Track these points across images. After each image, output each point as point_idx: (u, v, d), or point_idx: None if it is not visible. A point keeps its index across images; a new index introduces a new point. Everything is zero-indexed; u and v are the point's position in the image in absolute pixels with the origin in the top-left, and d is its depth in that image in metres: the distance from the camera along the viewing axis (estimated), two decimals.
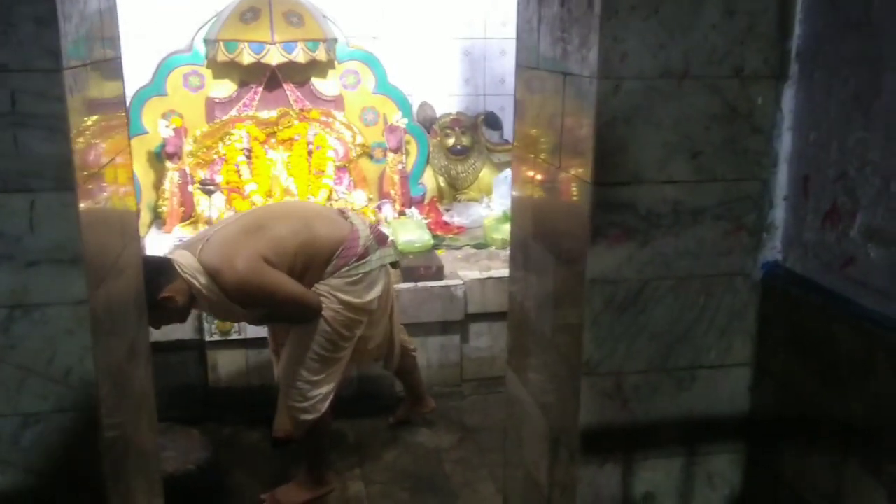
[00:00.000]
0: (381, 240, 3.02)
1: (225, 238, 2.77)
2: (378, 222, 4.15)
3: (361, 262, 2.88)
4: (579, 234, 1.65)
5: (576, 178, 1.66)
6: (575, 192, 1.68)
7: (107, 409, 1.49)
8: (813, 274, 1.55)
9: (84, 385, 1.43)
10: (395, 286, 3.42)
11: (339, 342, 2.90)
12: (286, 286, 2.74)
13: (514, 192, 2.10)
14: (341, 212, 3.08)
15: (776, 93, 1.59)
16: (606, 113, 1.55)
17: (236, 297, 2.70)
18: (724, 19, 1.53)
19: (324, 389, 2.93)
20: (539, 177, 1.89)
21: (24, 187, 1.35)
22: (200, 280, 2.68)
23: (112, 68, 1.72)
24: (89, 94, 1.50)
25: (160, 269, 2.66)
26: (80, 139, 1.42)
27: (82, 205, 1.40)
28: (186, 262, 2.70)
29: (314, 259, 2.82)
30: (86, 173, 1.44)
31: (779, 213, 1.65)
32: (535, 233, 1.94)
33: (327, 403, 2.96)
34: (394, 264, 3.13)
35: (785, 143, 1.61)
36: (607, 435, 1.72)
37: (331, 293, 2.84)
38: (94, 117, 1.54)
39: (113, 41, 1.75)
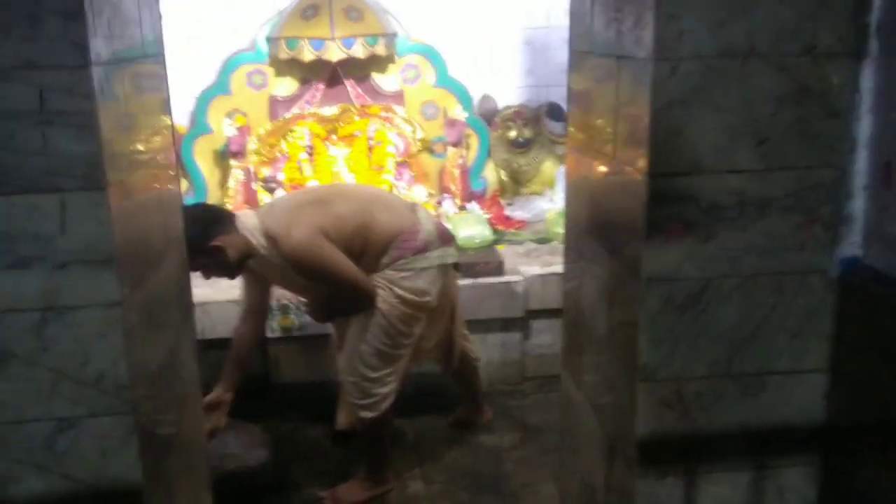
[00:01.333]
0: (445, 239, 2.94)
1: (288, 206, 2.80)
2: (438, 218, 4.08)
3: (419, 255, 2.81)
4: (634, 228, 1.54)
5: (630, 168, 1.55)
6: (630, 184, 1.56)
7: (142, 414, 1.46)
8: None
9: (117, 389, 1.40)
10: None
11: (396, 337, 2.83)
12: (341, 263, 2.70)
13: (567, 185, 2.00)
14: (412, 205, 3.02)
15: (853, 71, 1.44)
16: (662, 97, 1.43)
17: (294, 266, 2.68)
18: None
19: (384, 389, 2.88)
20: (593, 168, 1.78)
21: (54, 187, 1.32)
22: (259, 240, 2.70)
23: (152, 63, 1.69)
24: (124, 91, 1.47)
25: (216, 218, 2.73)
26: (112, 137, 1.38)
27: (114, 205, 1.36)
28: (248, 221, 2.74)
29: (370, 244, 2.77)
30: (119, 172, 1.41)
31: (858, 204, 1.50)
32: (588, 227, 1.83)
33: (387, 404, 2.91)
34: (455, 266, 3.04)
35: (864, 127, 1.46)
36: (667, 445, 1.60)
37: (387, 286, 2.79)
38: (130, 114, 1.50)
39: (154, 36, 1.72)
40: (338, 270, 2.70)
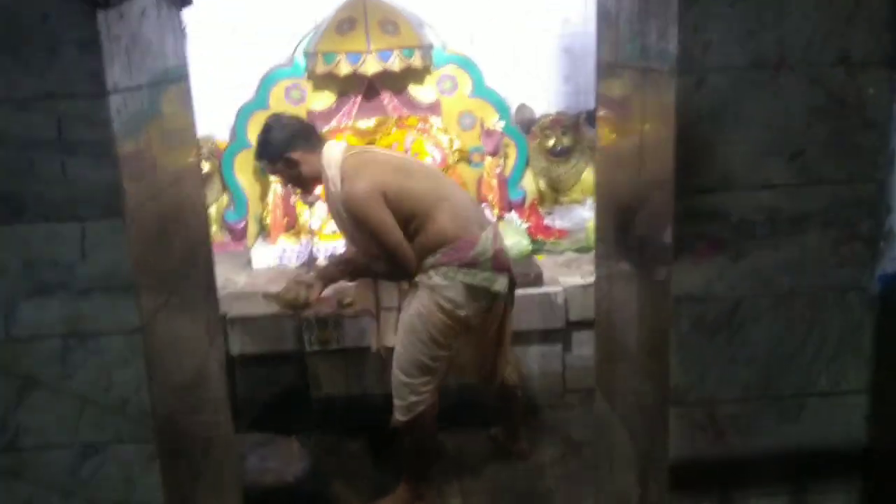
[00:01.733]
0: (500, 267, 2.83)
1: (373, 159, 2.79)
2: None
3: (464, 269, 2.75)
4: (663, 246, 1.49)
5: (658, 183, 1.50)
6: (657, 200, 1.52)
7: (165, 439, 1.46)
8: None
9: (141, 415, 1.41)
10: None
11: (431, 346, 2.78)
12: (387, 226, 2.66)
13: (597, 199, 1.95)
14: (484, 220, 2.93)
15: (890, 81, 1.38)
16: (689, 111, 1.39)
17: (346, 212, 2.70)
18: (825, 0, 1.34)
19: (415, 398, 2.87)
20: (620, 182, 1.74)
21: (74, 215, 1.34)
22: (333, 173, 2.70)
23: (176, 88, 1.70)
24: (144, 117, 1.48)
25: (303, 134, 2.75)
26: (132, 164, 1.39)
27: (134, 231, 1.37)
28: (333, 153, 2.73)
29: (422, 234, 2.73)
30: (139, 198, 1.41)
31: None
32: (617, 244, 1.78)
33: (419, 410, 2.88)
34: (510, 298, 2.99)
35: None
36: (701, 470, 1.54)
37: (429, 291, 2.75)
38: (151, 140, 1.51)
39: (178, 59, 1.73)
40: (383, 232, 2.67)
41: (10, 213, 1.33)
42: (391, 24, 4.31)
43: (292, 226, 4.41)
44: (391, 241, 2.68)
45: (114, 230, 1.34)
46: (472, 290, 2.76)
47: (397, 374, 2.87)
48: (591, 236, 4.17)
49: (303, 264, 4.14)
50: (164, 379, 1.48)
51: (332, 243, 4.31)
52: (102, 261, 1.35)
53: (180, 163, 1.69)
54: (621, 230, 1.78)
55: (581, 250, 4.15)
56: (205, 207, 1.86)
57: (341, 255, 3.15)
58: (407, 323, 2.81)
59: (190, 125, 1.81)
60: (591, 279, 3.69)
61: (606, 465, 2.01)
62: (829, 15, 1.35)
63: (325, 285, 2.97)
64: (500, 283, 2.81)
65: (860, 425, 1.52)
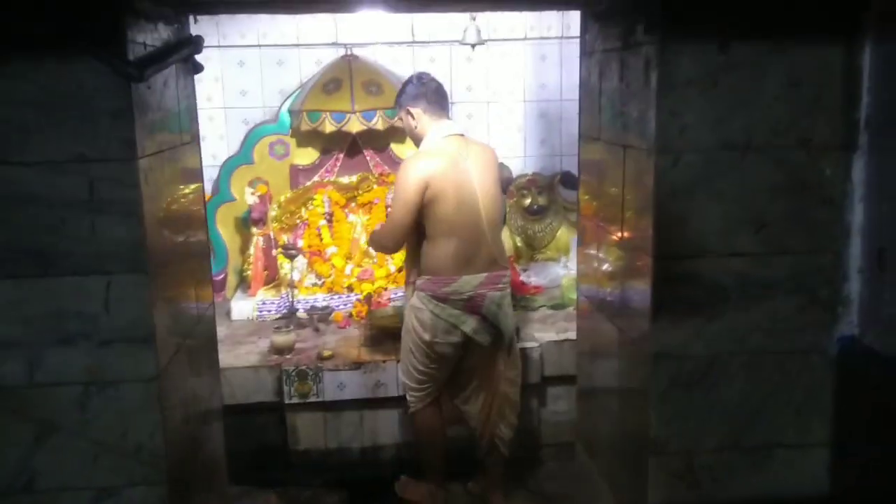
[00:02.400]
0: (471, 309, 2.91)
1: (452, 156, 2.83)
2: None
3: (435, 301, 2.88)
4: (642, 306, 1.62)
5: (637, 249, 1.64)
6: (637, 264, 1.65)
7: (175, 483, 1.53)
8: (893, 350, 1.47)
9: (154, 460, 1.48)
10: None
11: (415, 358, 2.97)
12: (403, 203, 2.76)
13: (579, 261, 2.08)
14: (472, 263, 2.92)
15: (845, 163, 1.54)
16: (665, 185, 1.53)
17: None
18: (787, 91, 1.51)
19: (410, 397, 3.06)
20: (602, 247, 1.87)
21: (101, 270, 1.43)
22: (429, 138, 2.84)
23: (189, 151, 1.81)
24: (164, 179, 1.59)
25: (431, 97, 2.87)
26: (154, 223, 1.49)
27: (155, 286, 1.46)
28: (445, 126, 2.87)
29: (424, 248, 2.88)
30: (159, 255, 1.51)
31: (854, 287, 1.58)
32: (598, 302, 1.91)
33: (416, 408, 3.06)
34: (497, 345, 3.09)
35: (857, 215, 1.55)
36: None
37: (413, 309, 2.92)
38: (169, 200, 1.62)
39: (191, 125, 1.85)
40: (397, 201, 2.78)
41: (39, 268, 1.42)
42: (375, 85, 4.47)
43: (273, 278, 4.47)
44: (395, 214, 2.82)
45: (137, 284, 1.44)
46: (441, 322, 2.89)
47: (399, 373, 3.11)
48: (566, 293, 4.31)
49: (282, 317, 4.20)
50: (175, 426, 1.56)
51: (311, 296, 4.39)
52: (125, 313, 1.44)
53: (191, 219, 1.79)
54: (601, 289, 1.90)
55: (556, 307, 4.26)
56: (208, 259, 1.95)
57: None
58: (402, 331, 3.01)
59: (198, 184, 1.91)
60: (566, 335, 3.81)
61: None
62: (791, 105, 1.51)
63: None
64: (469, 325, 2.90)
65: (824, 476, 1.65)
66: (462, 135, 2.92)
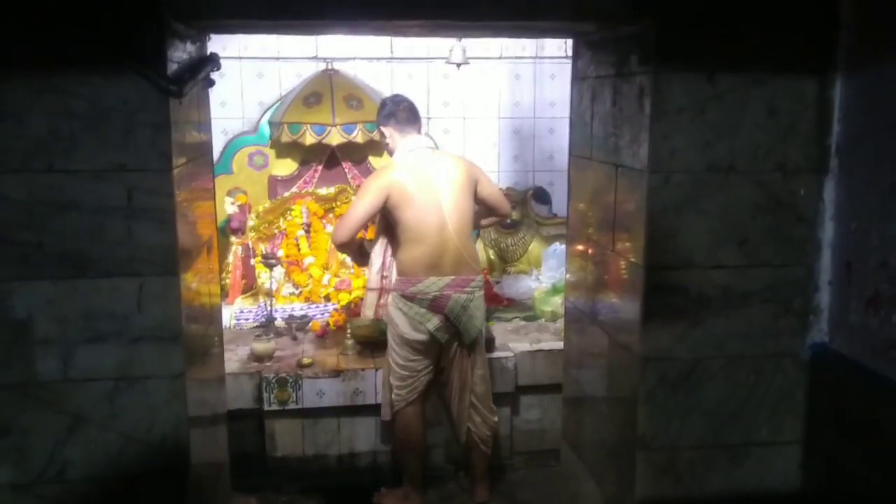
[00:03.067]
0: (436, 308, 3.11)
1: (416, 167, 3.08)
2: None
3: (403, 299, 3.08)
4: (632, 313, 1.76)
5: (629, 261, 1.78)
6: (628, 274, 1.79)
7: (195, 475, 1.62)
8: (858, 356, 1.62)
9: (178, 452, 1.56)
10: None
11: (397, 350, 3.14)
12: (360, 204, 3.03)
13: (567, 270, 2.22)
14: (451, 272, 3.11)
15: (818, 185, 1.71)
16: (657, 203, 1.68)
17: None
18: (766, 119, 1.66)
19: (392, 397, 3.19)
20: (592, 257, 2.01)
21: (134, 272, 1.52)
22: (397, 156, 3.12)
23: (206, 162, 1.91)
24: (190, 188, 1.68)
25: (400, 116, 3.15)
26: (183, 229, 1.58)
27: (183, 288, 1.55)
28: (406, 144, 3.12)
29: (398, 252, 3.10)
30: (186, 259, 1.61)
31: (824, 297, 1.74)
32: (588, 310, 2.04)
33: (395, 409, 3.20)
34: (460, 343, 3.25)
35: (827, 232, 1.72)
36: None
37: (389, 306, 3.14)
38: (193, 207, 1.71)
39: (207, 138, 1.94)
40: (355, 203, 3.05)
41: (77, 270, 1.50)
42: (356, 99, 4.58)
43: (250, 287, 4.53)
44: (350, 213, 3.06)
45: (168, 286, 1.53)
46: (408, 319, 3.11)
47: (383, 374, 3.26)
48: (538, 305, 4.44)
49: (259, 325, 4.25)
50: (197, 419, 1.65)
51: (289, 305, 4.46)
52: (156, 313, 1.53)
53: (208, 226, 1.88)
54: (590, 297, 2.04)
55: (528, 318, 4.39)
56: (218, 264, 2.04)
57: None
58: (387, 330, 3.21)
59: (212, 191, 2.00)
60: (539, 346, 3.94)
61: None
62: (769, 132, 1.68)
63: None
64: (433, 323, 3.10)
65: (796, 473, 1.80)
66: (431, 148, 3.23)
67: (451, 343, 3.21)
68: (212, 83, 2.03)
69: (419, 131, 3.25)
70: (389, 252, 3.25)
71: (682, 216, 1.69)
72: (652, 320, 1.71)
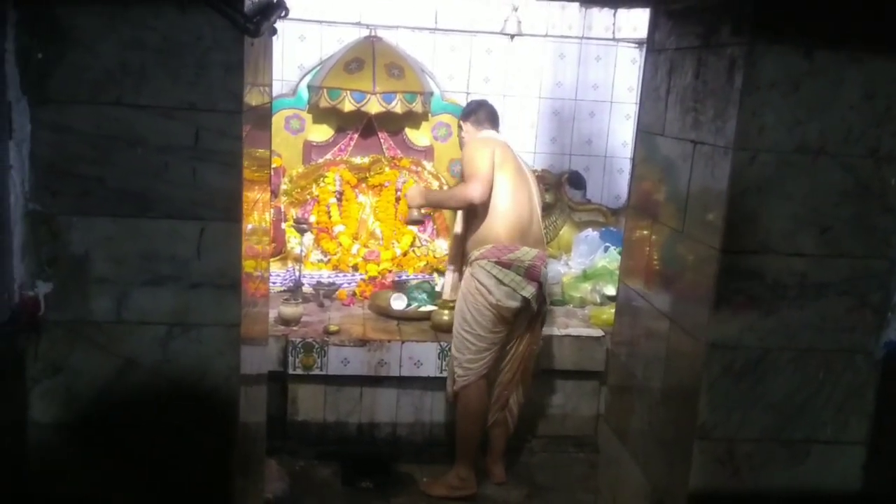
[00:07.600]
0: (531, 276, 3.24)
1: (498, 144, 3.37)
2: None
3: (499, 266, 3.17)
4: (702, 298, 1.69)
5: (702, 243, 1.71)
6: (699, 257, 1.72)
7: (241, 429, 1.57)
8: None
9: (227, 404, 1.52)
10: None
11: (473, 326, 3.21)
12: (480, 164, 3.19)
13: (624, 251, 2.15)
14: (529, 236, 3.33)
15: None
16: (740, 183, 1.60)
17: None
18: (862, 101, 1.58)
19: (458, 370, 3.28)
20: (656, 238, 1.94)
21: (196, 216, 1.46)
22: (462, 135, 3.58)
23: (266, 111, 1.85)
24: (255, 134, 1.62)
25: (481, 115, 3.55)
26: (246, 175, 1.52)
27: (244, 235, 1.50)
28: (489, 135, 3.44)
29: (482, 221, 3.23)
30: (248, 206, 1.55)
31: None
32: (647, 293, 1.97)
33: (460, 385, 3.28)
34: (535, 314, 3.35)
35: None
36: (716, 501, 1.72)
37: (472, 276, 3.22)
38: (255, 155, 1.65)
39: (269, 88, 1.88)
40: (472, 162, 3.22)
41: (138, 209, 1.45)
42: (397, 68, 4.50)
43: (279, 251, 4.49)
44: (477, 173, 3.18)
45: (230, 233, 1.47)
46: (504, 287, 3.19)
47: (451, 350, 3.36)
48: (567, 291, 4.39)
49: (287, 289, 4.22)
50: (243, 377, 1.60)
51: (317, 272, 4.42)
52: (216, 259, 1.47)
53: (265, 176, 1.82)
54: (651, 279, 1.97)
55: (557, 303, 4.34)
56: (269, 217, 1.99)
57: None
58: (457, 306, 3.32)
59: (269, 143, 1.94)
60: (566, 331, 3.90)
61: (610, 496, 2.17)
62: (864, 115, 1.59)
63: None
64: (528, 290, 3.24)
65: (858, 474, 1.73)
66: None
67: (527, 315, 3.34)
68: (275, 31, 1.97)
69: (496, 129, 3.53)
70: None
71: (764, 198, 1.61)
72: (722, 306, 1.64)
